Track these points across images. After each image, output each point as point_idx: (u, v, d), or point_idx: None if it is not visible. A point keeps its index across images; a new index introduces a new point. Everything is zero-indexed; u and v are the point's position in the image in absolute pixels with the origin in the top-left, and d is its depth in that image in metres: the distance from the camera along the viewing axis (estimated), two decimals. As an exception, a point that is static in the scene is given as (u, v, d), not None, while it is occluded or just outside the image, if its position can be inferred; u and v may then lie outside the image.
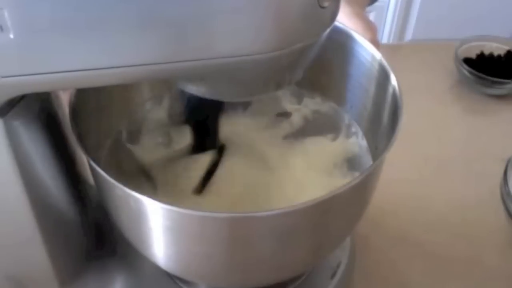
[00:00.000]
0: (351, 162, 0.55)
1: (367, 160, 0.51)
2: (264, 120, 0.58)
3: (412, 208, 0.65)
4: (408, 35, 1.85)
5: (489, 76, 0.79)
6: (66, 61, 0.31)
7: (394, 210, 0.64)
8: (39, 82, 0.33)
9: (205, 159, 0.51)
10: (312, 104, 0.57)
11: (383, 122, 0.47)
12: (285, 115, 0.59)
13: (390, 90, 0.45)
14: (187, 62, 0.32)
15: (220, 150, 0.51)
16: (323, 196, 0.38)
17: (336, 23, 0.46)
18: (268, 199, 0.43)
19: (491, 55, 0.84)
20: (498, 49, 0.85)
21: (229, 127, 0.53)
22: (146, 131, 0.55)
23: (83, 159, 0.50)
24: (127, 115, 0.53)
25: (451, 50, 0.84)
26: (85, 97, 0.44)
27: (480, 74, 0.79)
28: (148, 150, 0.53)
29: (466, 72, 0.80)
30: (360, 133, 0.53)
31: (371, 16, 1.71)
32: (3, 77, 0.32)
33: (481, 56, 0.84)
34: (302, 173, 0.58)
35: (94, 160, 0.38)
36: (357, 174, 0.48)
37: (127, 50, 0.31)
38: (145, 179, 0.52)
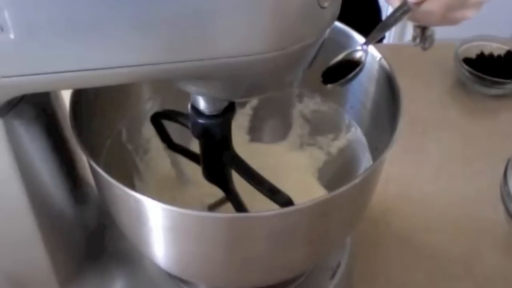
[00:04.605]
0: (351, 163, 0.55)
1: (367, 160, 0.51)
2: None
3: (412, 208, 0.65)
4: (408, 35, 1.85)
5: (489, 76, 0.79)
6: (66, 61, 0.31)
7: (394, 211, 0.64)
8: (39, 82, 0.33)
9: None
10: (312, 104, 0.57)
11: (383, 122, 0.47)
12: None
13: (390, 90, 0.45)
14: (186, 63, 0.32)
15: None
16: (323, 196, 0.38)
17: (336, 23, 0.46)
18: (264, 199, 0.43)
19: (491, 55, 0.84)
20: (498, 49, 0.85)
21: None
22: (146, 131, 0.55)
23: (83, 159, 0.50)
24: (127, 115, 0.53)
25: (451, 50, 0.84)
26: (85, 97, 0.44)
27: (480, 74, 0.79)
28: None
29: (466, 72, 0.80)
30: (360, 133, 0.53)
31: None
32: (3, 77, 0.32)
33: (481, 56, 0.84)
34: (301, 174, 0.59)
35: (94, 160, 0.38)
36: (356, 175, 0.48)
37: (127, 50, 0.31)
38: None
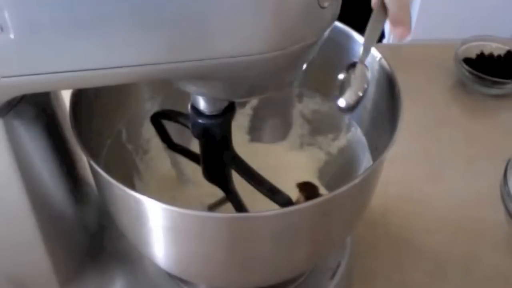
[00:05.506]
0: (351, 163, 0.55)
1: (367, 160, 0.51)
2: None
3: (412, 208, 0.65)
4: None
5: (489, 76, 0.79)
6: (66, 61, 0.31)
7: (394, 211, 0.64)
8: (39, 82, 0.33)
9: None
10: (312, 104, 0.57)
11: (383, 122, 0.47)
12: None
13: (390, 90, 0.45)
14: (187, 62, 0.32)
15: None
16: (323, 196, 0.38)
17: (336, 23, 0.46)
18: (264, 199, 0.43)
19: (491, 55, 0.84)
20: (498, 49, 0.85)
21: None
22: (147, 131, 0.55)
23: (83, 159, 0.50)
24: (127, 115, 0.53)
25: (451, 50, 0.84)
26: (85, 97, 0.44)
27: (480, 74, 0.79)
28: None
29: (466, 72, 0.80)
30: (360, 133, 0.53)
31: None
32: (3, 77, 0.32)
33: (481, 56, 0.84)
34: (301, 174, 0.59)
35: (94, 160, 0.38)
36: (356, 175, 0.48)
37: (127, 50, 0.31)
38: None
